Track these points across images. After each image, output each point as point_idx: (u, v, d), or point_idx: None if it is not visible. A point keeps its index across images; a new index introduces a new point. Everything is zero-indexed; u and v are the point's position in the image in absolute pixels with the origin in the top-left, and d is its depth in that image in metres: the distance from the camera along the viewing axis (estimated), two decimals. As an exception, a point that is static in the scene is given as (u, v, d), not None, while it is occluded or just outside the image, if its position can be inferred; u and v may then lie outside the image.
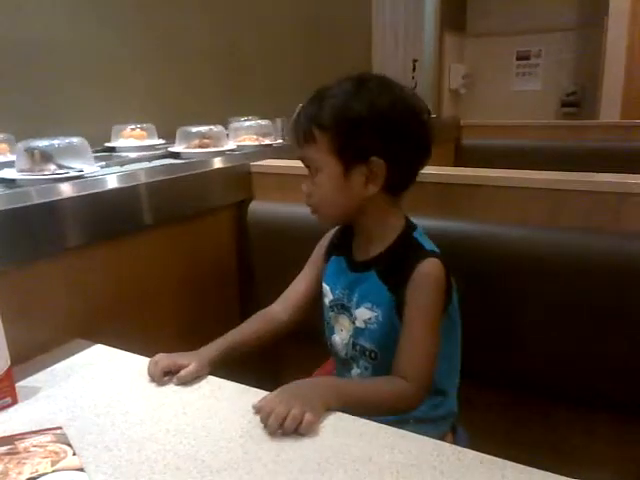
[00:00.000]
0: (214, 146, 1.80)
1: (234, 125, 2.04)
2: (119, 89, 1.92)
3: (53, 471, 0.75)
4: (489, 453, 0.79)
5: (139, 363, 1.09)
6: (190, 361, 1.04)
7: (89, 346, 1.18)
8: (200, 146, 1.78)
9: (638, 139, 2.95)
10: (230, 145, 1.88)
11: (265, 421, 0.86)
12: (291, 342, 1.50)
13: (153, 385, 1.02)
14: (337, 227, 1.23)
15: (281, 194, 1.64)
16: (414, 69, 3.93)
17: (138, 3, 1.99)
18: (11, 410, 0.95)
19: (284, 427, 0.84)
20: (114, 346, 1.17)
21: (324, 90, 1.07)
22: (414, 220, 1.14)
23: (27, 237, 1.12)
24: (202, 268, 1.60)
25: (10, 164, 1.35)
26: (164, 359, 1.04)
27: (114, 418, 0.92)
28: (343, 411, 0.90)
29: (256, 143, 1.99)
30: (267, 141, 2.03)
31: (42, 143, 1.32)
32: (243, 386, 1.01)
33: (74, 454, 0.80)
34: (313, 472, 0.77)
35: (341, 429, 0.87)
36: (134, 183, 1.37)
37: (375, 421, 0.89)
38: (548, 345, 1.25)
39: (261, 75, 2.61)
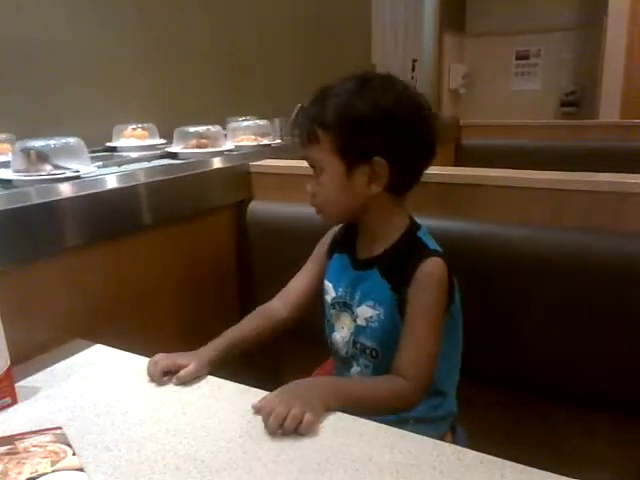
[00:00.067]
0: (212, 146, 1.80)
1: (232, 125, 2.04)
2: (119, 89, 1.92)
3: (53, 471, 0.75)
4: (489, 453, 0.79)
5: (139, 363, 1.09)
6: (189, 361, 1.04)
7: (89, 346, 1.18)
8: (198, 146, 1.77)
9: (637, 139, 2.95)
10: (228, 145, 1.88)
11: (265, 421, 0.86)
12: (291, 342, 1.50)
13: (153, 385, 1.02)
14: (340, 225, 1.23)
15: (281, 194, 1.64)
16: (413, 69, 3.94)
17: (138, 3, 1.99)
18: (11, 410, 0.95)
19: (284, 427, 0.84)
20: (114, 346, 1.17)
21: (327, 89, 1.06)
22: (414, 220, 1.14)
23: (26, 237, 1.12)
24: (202, 268, 1.60)
25: (8, 164, 1.34)
26: (164, 359, 1.04)
27: (114, 418, 0.92)
28: (343, 410, 0.90)
29: (254, 143, 1.99)
30: (265, 141, 2.03)
31: (38, 143, 1.31)
32: (243, 386, 1.01)
33: (74, 454, 0.80)
34: (313, 472, 0.76)
35: (341, 429, 0.87)
36: (133, 183, 1.36)
37: (375, 421, 0.89)
38: (548, 345, 1.25)
39: (261, 75, 2.62)
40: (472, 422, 1.21)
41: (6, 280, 1.08)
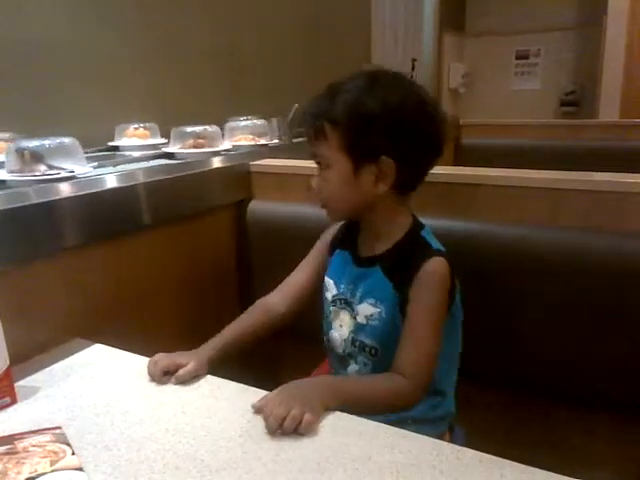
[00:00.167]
0: (209, 146, 1.79)
1: (230, 125, 2.03)
2: (119, 89, 1.92)
3: (52, 471, 0.75)
4: (489, 453, 0.79)
5: (138, 363, 1.09)
6: (189, 360, 1.04)
7: (88, 346, 1.18)
8: (195, 146, 1.77)
9: (637, 138, 2.95)
10: (225, 145, 1.88)
11: (265, 421, 0.86)
12: (290, 341, 1.50)
13: (152, 385, 1.02)
14: (342, 221, 1.22)
15: (280, 194, 1.64)
16: (413, 68, 3.93)
17: (138, 3, 1.99)
18: (10, 410, 0.95)
19: (283, 427, 0.84)
20: (113, 346, 1.17)
21: (337, 85, 1.05)
22: (414, 220, 1.14)
23: (26, 237, 1.12)
24: (201, 268, 1.60)
25: (3, 165, 1.33)
26: (163, 359, 1.04)
27: (113, 418, 0.92)
28: (342, 410, 0.90)
29: (252, 143, 1.99)
30: (263, 141, 2.03)
31: (32, 143, 1.31)
32: (242, 385, 1.01)
33: (73, 454, 0.80)
34: (312, 471, 0.77)
35: (340, 429, 0.87)
36: (132, 183, 1.36)
37: (374, 421, 0.89)
38: (548, 345, 1.25)
39: (261, 75, 2.61)
40: (472, 422, 1.21)
41: (6, 280, 1.08)
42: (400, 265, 1.07)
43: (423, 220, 1.14)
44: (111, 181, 1.34)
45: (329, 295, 1.19)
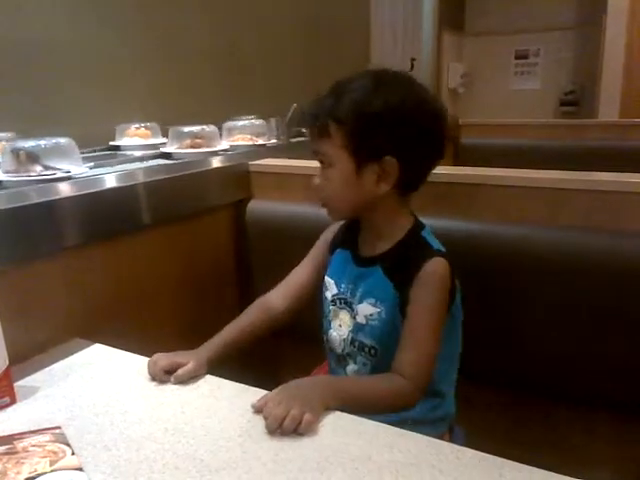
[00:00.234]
0: (207, 146, 1.79)
1: (228, 125, 2.02)
2: (119, 89, 1.92)
3: (52, 471, 0.75)
4: (489, 453, 0.79)
5: (138, 362, 1.09)
6: (188, 360, 1.03)
7: (88, 346, 1.18)
8: (192, 146, 1.77)
9: (636, 138, 2.96)
10: (223, 145, 1.87)
11: (265, 421, 0.86)
12: (290, 341, 1.50)
13: (152, 384, 1.02)
14: (342, 221, 1.22)
15: (280, 193, 1.64)
16: (412, 68, 3.93)
17: (138, 3, 1.99)
18: (10, 410, 0.95)
19: (283, 427, 0.84)
20: (113, 346, 1.17)
21: (342, 84, 1.05)
22: (414, 219, 1.14)
23: (25, 237, 1.11)
24: (201, 268, 1.60)
25: None
26: (163, 358, 1.04)
27: (113, 417, 0.92)
28: (342, 409, 0.90)
29: (250, 143, 1.98)
30: (261, 141, 2.03)
31: (28, 144, 1.30)
32: (242, 385, 1.01)
33: (73, 453, 0.80)
34: (312, 471, 0.76)
35: (340, 428, 0.87)
36: (131, 183, 1.36)
37: (374, 421, 0.89)
38: (548, 344, 1.25)
39: (261, 75, 2.62)
40: (471, 422, 1.21)
41: (5, 280, 1.08)
42: (400, 265, 1.07)
43: (423, 220, 1.14)
44: (107, 181, 1.33)
45: (329, 294, 1.19)
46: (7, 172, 1.27)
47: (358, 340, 1.12)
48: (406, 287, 1.04)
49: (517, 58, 5.36)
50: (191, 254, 1.56)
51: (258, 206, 1.67)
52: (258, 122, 2.08)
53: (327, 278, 1.20)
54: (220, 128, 1.93)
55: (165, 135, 1.91)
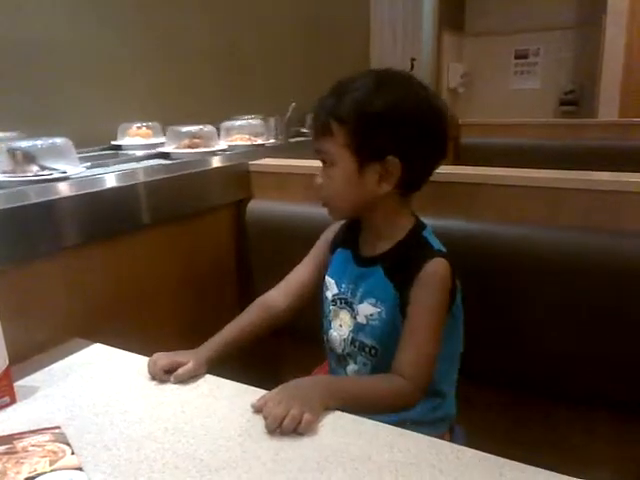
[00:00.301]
0: (205, 146, 1.79)
1: (226, 124, 2.02)
2: (120, 89, 1.92)
3: (51, 470, 0.75)
4: (489, 453, 0.79)
5: (138, 362, 1.09)
6: (188, 359, 1.03)
7: (87, 345, 1.18)
8: (190, 146, 1.77)
9: (636, 137, 2.96)
10: (221, 145, 1.87)
11: (264, 420, 0.86)
12: (291, 340, 1.50)
13: (152, 384, 1.02)
14: (343, 220, 1.22)
15: (280, 193, 1.64)
16: (412, 68, 3.93)
17: (138, 3, 1.99)
18: (9, 410, 0.95)
19: (282, 427, 0.84)
20: (113, 345, 1.17)
21: (345, 83, 1.05)
22: (413, 219, 1.14)
23: (24, 236, 1.11)
24: (201, 267, 1.60)
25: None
26: (162, 358, 1.04)
27: (113, 417, 0.92)
28: (342, 409, 0.90)
29: (248, 143, 1.98)
30: (259, 141, 2.02)
31: (24, 144, 1.30)
32: (242, 385, 1.01)
33: (73, 453, 0.80)
34: (312, 471, 0.76)
35: (340, 428, 0.87)
36: (131, 182, 1.36)
37: (374, 421, 0.89)
38: (548, 344, 1.25)
39: (261, 75, 2.62)
40: (471, 422, 1.21)
41: (5, 279, 1.08)
42: (401, 265, 1.07)
43: (423, 220, 1.14)
44: (103, 181, 1.33)
45: (329, 294, 1.19)
46: (4, 172, 1.27)
47: (358, 340, 1.12)
48: (406, 287, 1.04)
49: (517, 58, 5.36)
50: (191, 254, 1.56)
51: (258, 206, 1.67)
52: (256, 122, 2.07)
53: (328, 278, 1.20)
54: (218, 128, 1.93)
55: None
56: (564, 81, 5.12)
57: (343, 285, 1.16)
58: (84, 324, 1.24)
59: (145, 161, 1.68)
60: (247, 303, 1.23)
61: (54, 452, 0.80)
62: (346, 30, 3.34)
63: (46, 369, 1.09)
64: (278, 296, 1.22)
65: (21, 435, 0.84)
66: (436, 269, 1.03)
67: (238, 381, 1.02)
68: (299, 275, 1.24)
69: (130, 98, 1.97)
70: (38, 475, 0.74)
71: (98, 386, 1.03)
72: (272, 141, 2.10)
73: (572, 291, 1.20)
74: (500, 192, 1.32)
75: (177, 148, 1.77)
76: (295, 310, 1.22)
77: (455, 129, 3.44)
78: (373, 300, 1.09)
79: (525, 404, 1.36)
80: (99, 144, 1.82)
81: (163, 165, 1.62)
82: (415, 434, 0.85)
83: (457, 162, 3.20)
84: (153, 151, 1.78)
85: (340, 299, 1.16)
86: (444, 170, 1.40)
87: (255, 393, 0.95)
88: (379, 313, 1.08)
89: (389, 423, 0.88)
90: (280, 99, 2.36)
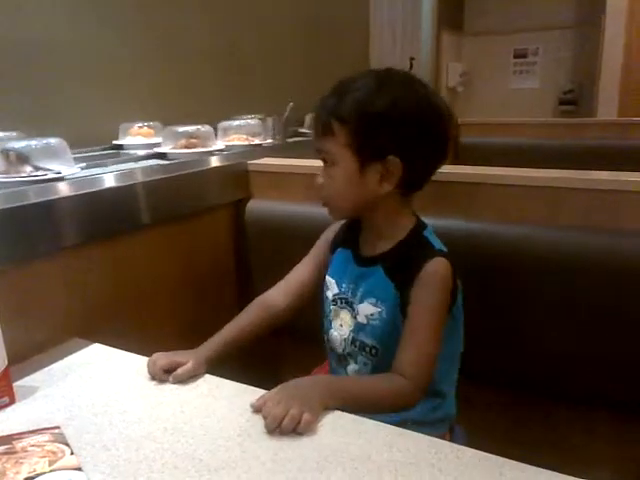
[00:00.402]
0: (202, 146, 1.79)
1: (223, 124, 2.02)
2: (120, 89, 1.92)
3: (51, 470, 0.75)
4: (489, 452, 0.79)
5: (137, 362, 1.09)
6: (187, 359, 1.03)
7: (87, 345, 1.18)
8: (187, 146, 1.76)
9: (635, 137, 2.96)
10: (218, 145, 1.87)
11: (264, 420, 0.86)
12: (290, 340, 1.50)
13: (151, 384, 1.02)
14: (343, 220, 1.22)
15: (279, 193, 1.63)
16: (411, 67, 3.93)
17: (138, 3, 1.99)
18: (9, 410, 0.95)
19: (282, 427, 0.84)
20: (112, 345, 1.17)
21: (347, 83, 1.05)
22: (413, 218, 1.13)
23: (24, 236, 1.11)
24: (200, 267, 1.60)
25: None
26: (162, 358, 1.04)
27: (112, 417, 0.92)
28: (341, 409, 0.90)
29: (245, 143, 1.98)
30: (257, 141, 2.02)
31: (18, 144, 1.30)
32: (241, 385, 1.01)
33: (72, 453, 0.80)
34: (312, 471, 0.76)
35: (340, 428, 0.86)
36: (129, 182, 1.36)
37: (374, 421, 0.89)
38: (548, 344, 1.25)
39: (261, 75, 2.62)
40: (471, 422, 1.21)
41: (4, 279, 1.08)
42: (402, 265, 1.07)
43: (423, 219, 1.14)
44: (97, 182, 1.32)
45: (330, 294, 1.19)
46: None
47: (359, 340, 1.12)
48: (407, 287, 1.04)
49: (516, 57, 5.36)
50: (190, 254, 1.56)
51: (257, 206, 1.67)
52: (254, 122, 2.07)
53: (328, 277, 1.20)
54: (216, 128, 1.93)
55: (167, 134, 1.92)
56: (563, 80, 5.12)
57: (343, 285, 1.16)
58: (83, 324, 1.24)
59: (142, 161, 1.68)
60: (246, 303, 1.23)
61: (53, 452, 0.80)
62: (345, 30, 3.35)
63: (45, 369, 1.09)
64: (278, 295, 1.22)
65: (20, 435, 0.84)
66: (437, 269, 1.03)
67: (237, 381, 1.02)
68: (299, 275, 1.24)
69: (130, 98, 1.97)
70: (37, 475, 0.74)
71: (97, 386, 1.02)
72: (269, 141, 2.10)
73: (572, 291, 1.20)
74: (499, 192, 1.32)
75: (174, 148, 1.77)
76: (295, 310, 1.22)
77: (454, 128, 3.44)
78: (373, 300, 1.09)
79: (525, 404, 1.36)
80: (101, 144, 1.82)
81: (161, 165, 1.62)
82: (415, 434, 0.85)
83: (456, 161, 3.19)
84: (151, 151, 1.78)
85: (340, 299, 1.16)
86: (444, 169, 1.39)
87: (254, 393, 0.94)
88: (379, 313, 1.08)
89: (390, 423, 0.88)
90: (280, 99, 2.36)
